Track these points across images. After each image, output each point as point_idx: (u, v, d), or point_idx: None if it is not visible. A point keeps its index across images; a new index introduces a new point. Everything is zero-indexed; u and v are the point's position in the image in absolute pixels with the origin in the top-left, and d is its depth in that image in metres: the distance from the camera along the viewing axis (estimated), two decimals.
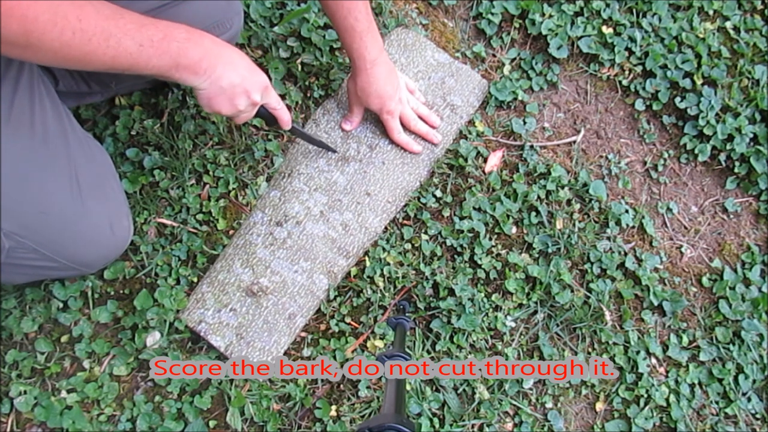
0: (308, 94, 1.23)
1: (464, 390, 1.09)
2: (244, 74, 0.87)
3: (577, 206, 1.22)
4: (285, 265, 1.08)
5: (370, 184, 1.16)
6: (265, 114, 0.98)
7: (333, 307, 1.10)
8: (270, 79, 1.19)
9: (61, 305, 1.04)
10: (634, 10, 1.36)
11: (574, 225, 1.21)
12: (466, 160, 1.20)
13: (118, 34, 0.68)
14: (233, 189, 1.14)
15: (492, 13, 1.33)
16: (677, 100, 1.31)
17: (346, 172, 1.16)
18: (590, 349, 1.16)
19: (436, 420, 1.06)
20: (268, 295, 1.06)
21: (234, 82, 0.85)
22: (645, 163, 1.32)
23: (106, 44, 0.67)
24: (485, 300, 1.13)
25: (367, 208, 1.14)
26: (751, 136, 1.29)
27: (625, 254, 1.21)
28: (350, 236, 1.12)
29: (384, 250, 1.14)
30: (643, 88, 1.33)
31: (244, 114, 0.92)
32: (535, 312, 1.16)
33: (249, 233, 1.11)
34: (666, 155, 1.32)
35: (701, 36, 1.34)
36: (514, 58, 1.34)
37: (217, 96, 0.85)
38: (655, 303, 1.19)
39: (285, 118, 1.01)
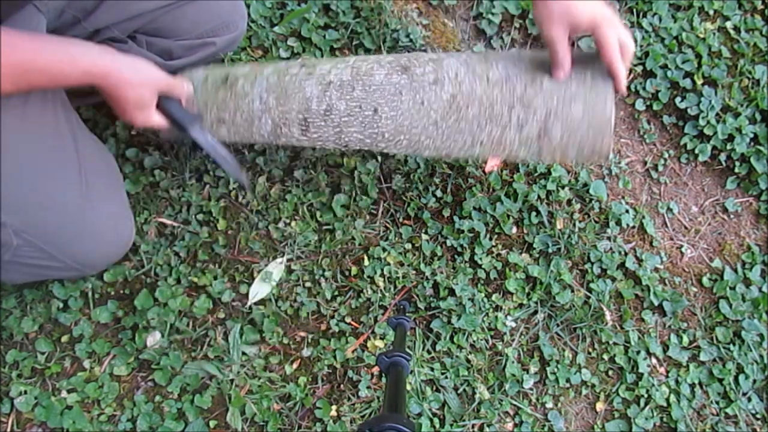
0: None
1: (464, 390, 1.09)
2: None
3: (578, 206, 1.22)
4: None
5: None
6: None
7: (333, 307, 1.10)
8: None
9: (61, 305, 1.04)
10: (635, 10, 1.36)
11: (574, 225, 1.21)
12: (466, 160, 1.20)
13: None
14: (233, 189, 1.14)
15: (492, 13, 1.33)
16: (677, 100, 1.31)
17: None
18: (590, 349, 1.16)
19: (436, 420, 1.06)
20: None
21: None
22: (645, 163, 1.32)
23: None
24: (485, 300, 1.14)
25: None
26: (752, 136, 1.29)
27: (626, 254, 1.21)
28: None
29: (384, 250, 1.14)
30: (644, 88, 1.33)
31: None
32: (536, 312, 1.16)
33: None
34: (666, 155, 1.32)
35: (701, 36, 1.34)
36: None
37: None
38: (656, 303, 1.19)
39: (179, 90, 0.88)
